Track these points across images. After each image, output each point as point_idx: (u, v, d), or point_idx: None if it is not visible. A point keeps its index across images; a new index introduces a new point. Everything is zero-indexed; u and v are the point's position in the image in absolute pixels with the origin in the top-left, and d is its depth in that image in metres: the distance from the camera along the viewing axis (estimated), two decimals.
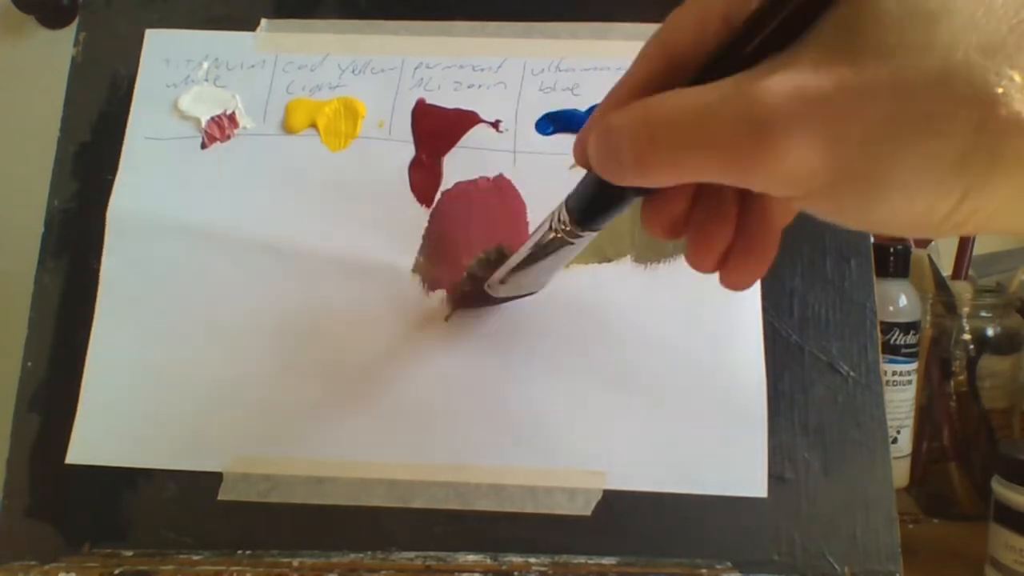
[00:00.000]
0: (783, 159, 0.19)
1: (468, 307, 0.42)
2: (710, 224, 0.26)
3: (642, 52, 0.24)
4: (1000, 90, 0.17)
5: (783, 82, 0.19)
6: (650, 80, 0.23)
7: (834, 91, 0.18)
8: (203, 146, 0.45)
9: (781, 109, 0.19)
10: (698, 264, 0.27)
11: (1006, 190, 0.19)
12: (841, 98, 0.18)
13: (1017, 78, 0.17)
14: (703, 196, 0.26)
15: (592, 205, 0.27)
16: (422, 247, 0.43)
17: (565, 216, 0.28)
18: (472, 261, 0.42)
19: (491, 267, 0.39)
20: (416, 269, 0.43)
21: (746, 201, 0.26)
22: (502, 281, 0.37)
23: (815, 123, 0.18)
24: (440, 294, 0.42)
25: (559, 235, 0.29)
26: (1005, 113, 0.17)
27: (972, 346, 0.53)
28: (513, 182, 0.44)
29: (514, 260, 0.35)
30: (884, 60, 0.18)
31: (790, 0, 0.19)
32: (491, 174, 0.44)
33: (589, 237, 0.29)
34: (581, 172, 0.43)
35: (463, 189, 0.44)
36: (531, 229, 0.43)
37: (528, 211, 0.43)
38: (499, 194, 0.43)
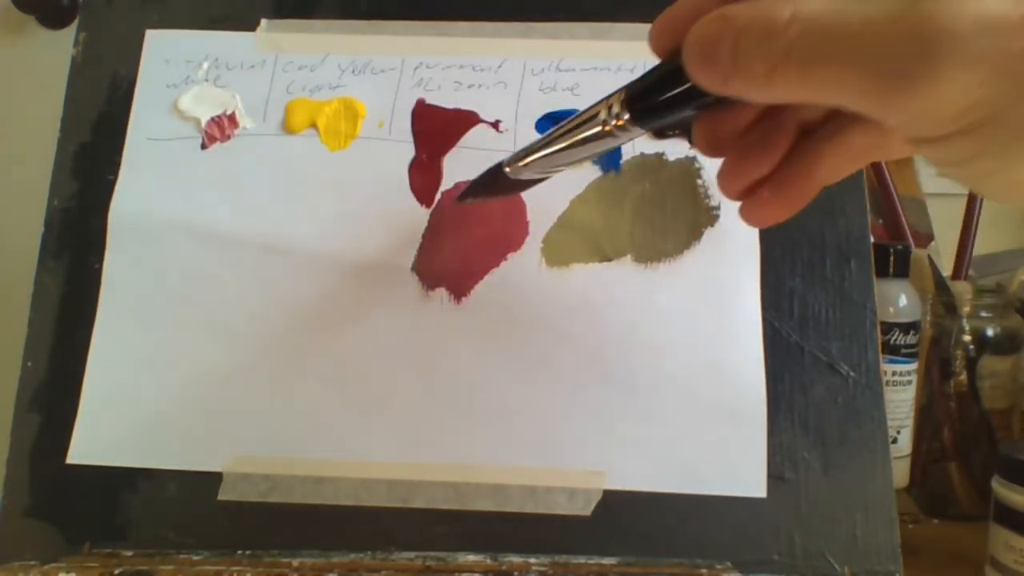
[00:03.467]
0: (945, 89, 0.17)
1: (483, 194, 0.37)
2: (755, 151, 0.24)
3: None
4: None
5: (964, 3, 0.17)
6: None
7: (1020, 21, 0.16)
8: (203, 146, 0.45)
9: (959, 33, 0.16)
10: (726, 187, 0.25)
11: None
12: None
13: None
14: (763, 121, 0.24)
15: (663, 103, 0.24)
16: (422, 247, 0.43)
17: (621, 110, 0.25)
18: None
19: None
20: (416, 269, 0.43)
21: (803, 142, 0.24)
22: (526, 164, 0.33)
23: (991, 54, 0.16)
24: (440, 292, 0.42)
25: (608, 128, 0.26)
26: None
27: (972, 346, 0.53)
28: None
29: (547, 145, 0.31)
30: None
31: None
32: None
33: (636, 134, 0.26)
34: (581, 172, 0.43)
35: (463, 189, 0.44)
36: (531, 229, 0.43)
37: (528, 211, 0.43)
38: None
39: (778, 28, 0.18)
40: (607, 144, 0.28)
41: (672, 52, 0.23)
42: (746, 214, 0.26)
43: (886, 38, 0.17)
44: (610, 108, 0.26)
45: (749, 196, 0.25)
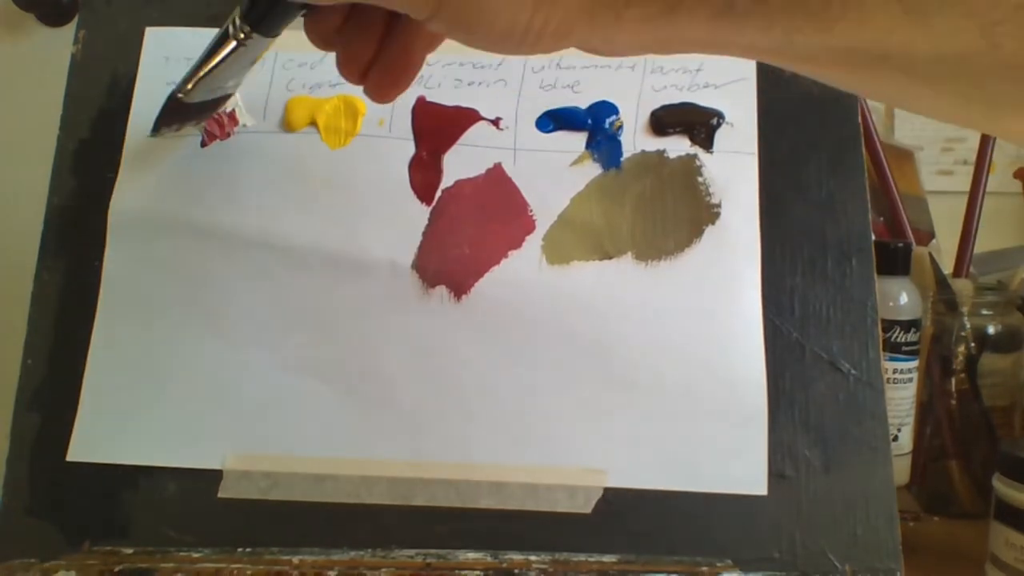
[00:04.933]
0: None
1: (171, 123, 0.42)
2: (356, 40, 0.30)
3: None
4: None
5: None
6: None
7: None
8: (203, 144, 0.45)
9: None
10: (345, 73, 0.31)
11: (568, 3, 0.24)
12: None
13: None
14: (354, 16, 0.30)
15: (264, 13, 0.32)
16: (422, 245, 0.43)
17: (242, 24, 0.32)
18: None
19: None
20: (416, 266, 0.42)
21: (392, 26, 0.30)
22: (192, 87, 0.38)
23: None
24: (441, 289, 0.42)
25: (237, 41, 0.33)
26: None
27: (973, 344, 0.53)
28: (514, 180, 0.43)
29: (199, 68, 0.37)
30: None
31: None
32: None
33: (265, 42, 0.33)
34: (581, 169, 0.43)
35: (463, 187, 0.44)
36: (532, 227, 0.43)
37: (529, 208, 0.43)
38: (499, 191, 0.43)
39: None
40: (249, 53, 0.35)
41: None
42: (370, 93, 0.32)
43: None
44: (235, 24, 0.33)
45: (365, 80, 0.31)
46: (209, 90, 0.39)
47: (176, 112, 0.40)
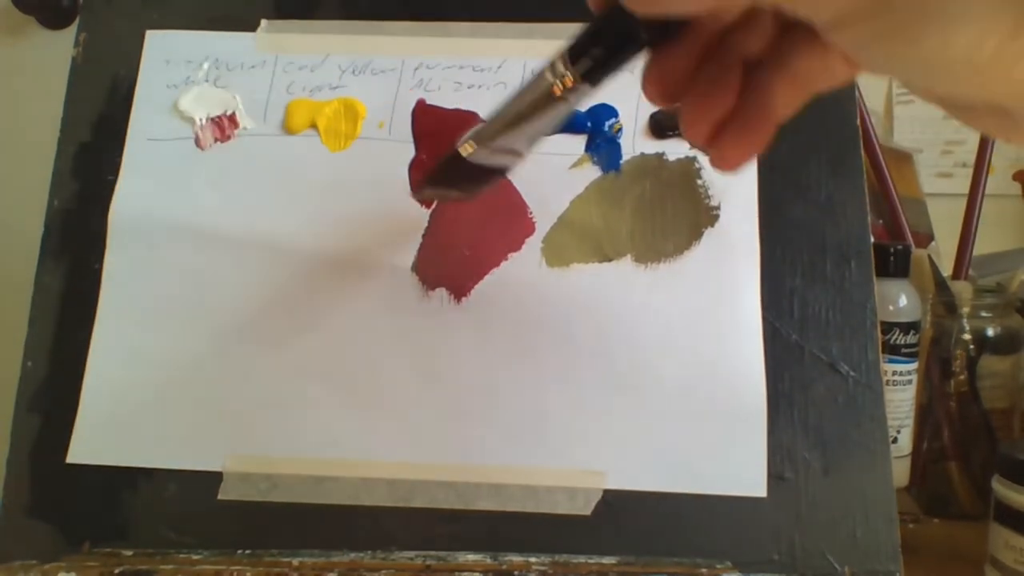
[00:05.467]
0: None
1: (441, 183, 0.36)
2: (709, 92, 0.25)
3: None
4: None
5: None
6: None
7: None
8: (201, 146, 0.45)
9: None
10: (692, 132, 0.26)
11: None
12: None
13: None
14: (708, 59, 0.25)
15: (601, 52, 0.25)
16: (422, 247, 0.43)
17: (565, 68, 0.25)
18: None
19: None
20: (416, 269, 0.43)
21: (754, 80, 0.25)
22: (481, 144, 0.31)
23: None
24: (441, 292, 0.42)
25: (559, 90, 0.26)
26: None
27: (972, 346, 0.53)
28: (514, 183, 0.44)
29: (500, 115, 0.30)
30: None
31: None
32: None
33: (584, 94, 0.26)
34: (581, 172, 0.43)
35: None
36: (535, 227, 0.43)
37: (528, 211, 0.43)
38: (499, 193, 0.43)
39: None
40: (558, 111, 0.27)
41: (606, 4, 0.24)
42: (716, 160, 0.26)
43: None
44: (554, 69, 0.26)
45: (715, 141, 0.26)
46: (497, 151, 0.31)
47: (453, 171, 0.32)
